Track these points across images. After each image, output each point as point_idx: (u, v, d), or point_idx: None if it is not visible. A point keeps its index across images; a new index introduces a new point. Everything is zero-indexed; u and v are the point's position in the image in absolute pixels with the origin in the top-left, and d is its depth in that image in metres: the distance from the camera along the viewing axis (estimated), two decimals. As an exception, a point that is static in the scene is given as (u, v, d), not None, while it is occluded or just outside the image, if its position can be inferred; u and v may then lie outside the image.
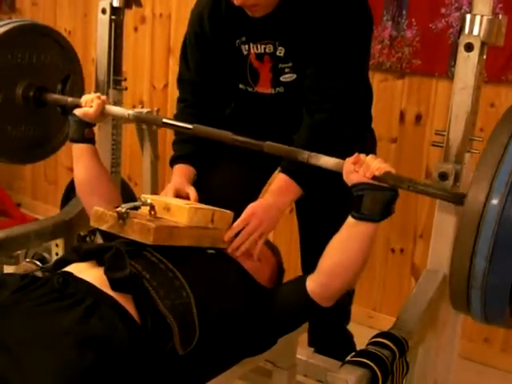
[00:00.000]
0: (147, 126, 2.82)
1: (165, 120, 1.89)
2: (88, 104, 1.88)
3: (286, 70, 1.81)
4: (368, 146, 2.01)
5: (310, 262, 2.13)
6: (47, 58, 2.22)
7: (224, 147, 1.82)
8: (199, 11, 1.87)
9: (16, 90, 2.14)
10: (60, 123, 2.28)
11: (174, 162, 1.93)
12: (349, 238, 1.45)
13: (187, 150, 1.91)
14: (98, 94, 1.92)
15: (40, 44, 2.20)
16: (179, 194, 1.79)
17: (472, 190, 1.17)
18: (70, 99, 2.02)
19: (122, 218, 1.46)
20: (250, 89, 1.89)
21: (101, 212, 1.52)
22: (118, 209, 1.47)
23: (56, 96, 2.13)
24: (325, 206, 1.98)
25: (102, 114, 1.89)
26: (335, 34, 1.71)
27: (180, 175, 1.87)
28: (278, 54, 1.79)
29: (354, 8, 1.74)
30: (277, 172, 1.81)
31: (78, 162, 1.86)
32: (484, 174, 1.16)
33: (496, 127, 1.23)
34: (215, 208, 1.65)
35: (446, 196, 1.39)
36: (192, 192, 1.80)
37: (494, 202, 1.13)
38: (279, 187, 1.73)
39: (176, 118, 2.00)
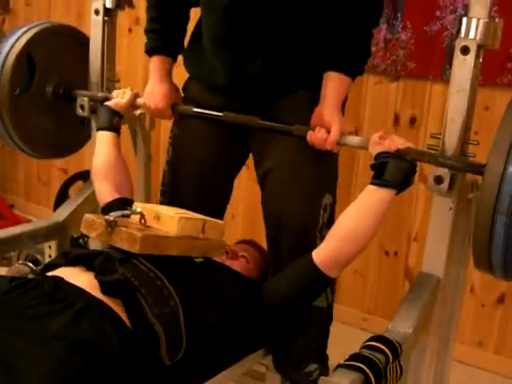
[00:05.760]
0: (140, 127, 2.81)
1: (195, 109, 1.92)
2: (120, 95, 1.99)
3: None
4: None
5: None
6: (75, 57, 2.31)
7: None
8: None
9: (47, 87, 2.24)
10: (78, 129, 2.38)
11: (149, 53, 1.97)
12: (367, 205, 1.54)
13: (159, 41, 1.95)
14: (130, 88, 2.01)
15: (67, 44, 2.30)
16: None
17: (491, 158, 1.36)
18: (100, 94, 2.12)
19: (111, 226, 1.47)
20: None
21: (91, 220, 1.53)
22: (107, 217, 1.48)
23: (85, 92, 2.20)
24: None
25: (133, 106, 1.99)
26: None
27: (157, 72, 1.94)
28: None
29: None
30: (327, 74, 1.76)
31: (100, 147, 1.91)
32: (502, 142, 1.35)
33: None
34: (206, 218, 1.63)
35: (465, 168, 1.53)
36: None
37: None
38: (335, 85, 1.74)
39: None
